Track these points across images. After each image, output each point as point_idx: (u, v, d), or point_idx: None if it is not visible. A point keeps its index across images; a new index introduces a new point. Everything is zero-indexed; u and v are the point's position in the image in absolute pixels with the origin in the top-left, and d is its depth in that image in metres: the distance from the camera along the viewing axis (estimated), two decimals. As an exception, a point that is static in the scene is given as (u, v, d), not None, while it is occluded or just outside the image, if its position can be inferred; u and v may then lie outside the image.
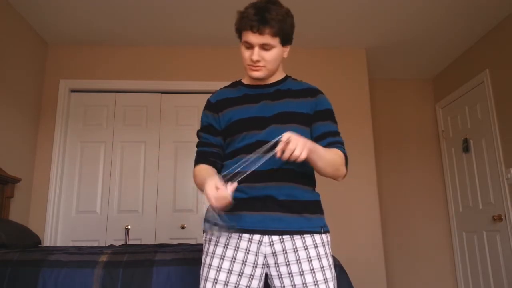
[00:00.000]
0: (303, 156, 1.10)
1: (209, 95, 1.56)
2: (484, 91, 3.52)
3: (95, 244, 3.33)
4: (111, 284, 1.66)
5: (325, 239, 1.29)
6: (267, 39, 1.28)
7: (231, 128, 1.37)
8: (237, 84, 1.47)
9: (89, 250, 1.93)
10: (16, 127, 3.10)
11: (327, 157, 1.24)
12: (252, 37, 1.28)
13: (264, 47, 1.30)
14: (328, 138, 1.36)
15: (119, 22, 3.30)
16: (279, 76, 1.43)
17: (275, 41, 1.30)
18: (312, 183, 1.37)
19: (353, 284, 3.31)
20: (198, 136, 1.46)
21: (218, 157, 1.40)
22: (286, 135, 1.11)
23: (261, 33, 1.27)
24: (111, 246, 2.41)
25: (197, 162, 1.41)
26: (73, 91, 3.61)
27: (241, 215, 1.27)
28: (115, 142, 3.55)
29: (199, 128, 1.48)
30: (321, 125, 1.37)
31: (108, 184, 3.46)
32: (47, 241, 3.23)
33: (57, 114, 3.47)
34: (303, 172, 1.33)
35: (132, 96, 3.65)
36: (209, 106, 1.45)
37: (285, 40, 1.33)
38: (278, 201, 1.27)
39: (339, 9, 3.15)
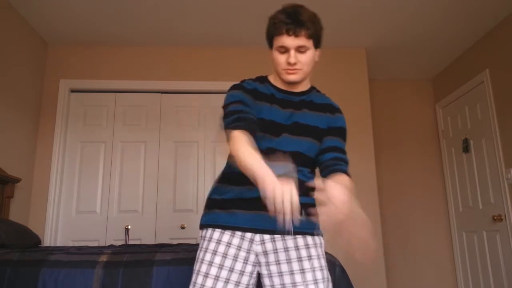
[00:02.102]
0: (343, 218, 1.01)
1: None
2: (484, 91, 3.52)
3: (95, 244, 3.33)
4: (111, 284, 1.66)
5: (317, 241, 1.30)
6: (303, 41, 1.27)
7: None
8: (264, 80, 1.42)
9: (89, 250, 1.93)
10: (16, 127, 3.10)
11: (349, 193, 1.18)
12: (288, 40, 1.27)
13: (300, 49, 1.28)
14: (333, 152, 1.34)
15: (119, 22, 3.30)
16: (306, 85, 1.42)
17: (309, 43, 1.29)
18: (309, 188, 1.34)
19: (353, 284, 3.31)
20: (227, 108, 1.31)
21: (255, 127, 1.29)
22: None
23: (297, 35, 1.26)
24: (111, 246, 2.41)
25: (237, 125, 1.24)
26: (73, 91, 3.61)
27: (234, 213, 1.29)
28: (115, 142, 3.55)
29: (226, 104, 1.33)
30: (330, 139, 1.36)
31: (108, 184, 3.46)
32: (47, 241, 3.23)
33: (57, 114, 3.47)
34: (300, 179, 1.32)
35: (132, 96, 3.65)
36: (243, 89, 1.36)
37: (317, 42, 1.33)
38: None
39: (339, 9, 3.15)
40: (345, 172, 1.29)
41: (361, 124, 3.63)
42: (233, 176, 1.33)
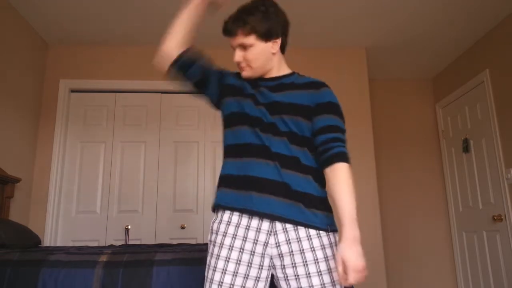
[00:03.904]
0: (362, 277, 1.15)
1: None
2: (484, 91, 3.52)
3: (95, 244, 3.33)
4: (111, 284, 1.66)
5: (332, 240, 1.26)
6: (240, 39, 1.29)
7: (227, 119, 1.36)
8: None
9: (89, 250, 1.93)
10: (16, 127, 3.10)
11: (354, 201, 1.21)
12: (230, 41, 1.32)
13: (243, 47, 1.30)
14: (323, 134, 1.27)
15: (120, 22, 3.30)
16: (284, 71, 1.39)
17: (250, 40, 1.28)
18: (322, 180, 1.33)
19: (353, 284, 3.30)
20: None
21: (198, 58, 1.43)
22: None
23: (232, 35, 1.30)
24: (111, 246, 2.41)
25: None
26: (73, 91, 3.61)
27: (250, 196, 1.24)
28: (115, 142, 3.55)
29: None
30: (322, 118, 1.28)
31: (108, 184, 3.46)
32: (47, 241, 3.23)
33: (57, 114, 3.47)
34: (318, 169, 1.31)
35: (132, 96, 3.65)
36: (228, 71, 1.47)
37: (266, 35, 1.29)
38: (291, 190, 1.24)
39: (339, 9, 3.15)
40: (340, 159, 1.22)
41: (361, 124, 3.63)
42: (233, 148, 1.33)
